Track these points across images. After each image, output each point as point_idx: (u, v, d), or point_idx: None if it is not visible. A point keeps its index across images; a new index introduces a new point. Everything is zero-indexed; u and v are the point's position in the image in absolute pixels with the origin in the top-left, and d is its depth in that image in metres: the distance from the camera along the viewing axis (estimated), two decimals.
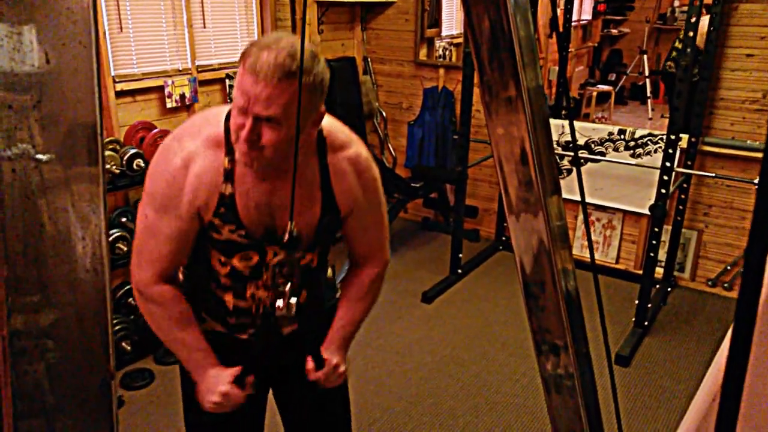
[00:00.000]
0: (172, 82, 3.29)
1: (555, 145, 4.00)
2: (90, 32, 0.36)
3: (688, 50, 2.90)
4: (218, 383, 1.38)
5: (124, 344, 2.88)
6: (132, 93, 3.16)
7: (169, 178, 1.28)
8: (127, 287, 3.06)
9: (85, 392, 0.40)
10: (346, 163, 1.39)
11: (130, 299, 3.05)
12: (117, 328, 2.86)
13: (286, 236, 1.21)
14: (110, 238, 2.79)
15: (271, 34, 1.22)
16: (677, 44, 5.43)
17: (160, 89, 3.27)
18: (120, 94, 3.08)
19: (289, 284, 1.28)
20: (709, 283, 3.84)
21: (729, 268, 3.78)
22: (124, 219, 3.03)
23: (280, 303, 1.27)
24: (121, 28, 3.03)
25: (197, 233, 1.36)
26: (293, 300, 1.27)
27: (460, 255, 3.95)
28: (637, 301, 3.32)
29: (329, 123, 1.40)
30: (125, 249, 2.86)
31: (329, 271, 1.64)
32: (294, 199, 1.17)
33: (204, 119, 1.34)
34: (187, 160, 1.28)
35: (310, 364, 1.43)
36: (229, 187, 1.30)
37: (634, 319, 3.36)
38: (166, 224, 1.31)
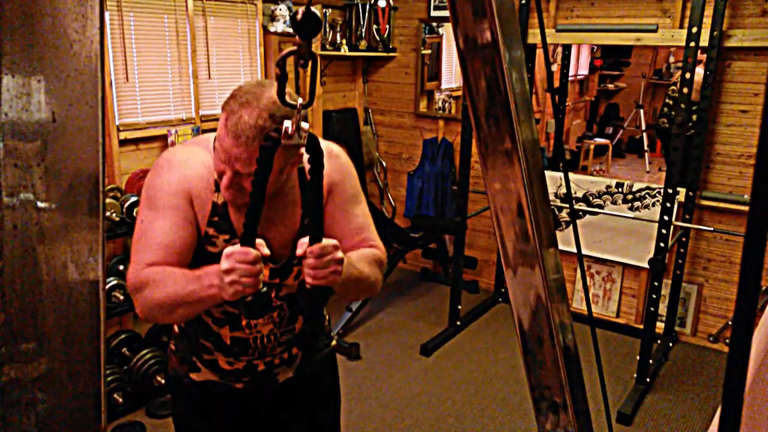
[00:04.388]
0: (176, 131, 3.34)
1: (553, 198, 4.04)
2: (96, 93, 0.37)
3: (683, 105, 2.96)
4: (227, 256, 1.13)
5: (116, 395, 2.82)
6: (135, 141, 3.20)
7: (162, 180, 1.31)
8: (122, 336, 3.02)
9: None
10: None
11: (125, 349, 3.01)
12: (110, 378, 2.81)
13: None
14: (107, 287, 2.77)
15: (253, 83, 1.21)
16: (668, 100, 5.54)
17: (163, 138, 3.31)
18: (123, 143, 3.12)
19: (300, 100, 1.02)
20: (711, 338, 3.80)
21: (730, 323, 3.74)
22: (121, 267, 3.02)
23: (288, 124, 1.02)
24: (127, 78, 3.10)
25: (194, 244, 1.32)
26: (305, 125, 1.03)
27: (459, 306, 3.91)
28: (638, 357, 3.28)
29: None
30: (121, 298, 2.84)
31: (326, 317, 1.62)
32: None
33: (194, 140, 1.42)
34: (181, 157, 1.33)
35: (303, 239, 1.18)
36: (221, 197, 1.32)
37: (635, 375, 3.31)
38: (161, 216, 1.28)
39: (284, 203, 1.36)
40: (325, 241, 1.16)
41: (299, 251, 1.16)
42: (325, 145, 1.41)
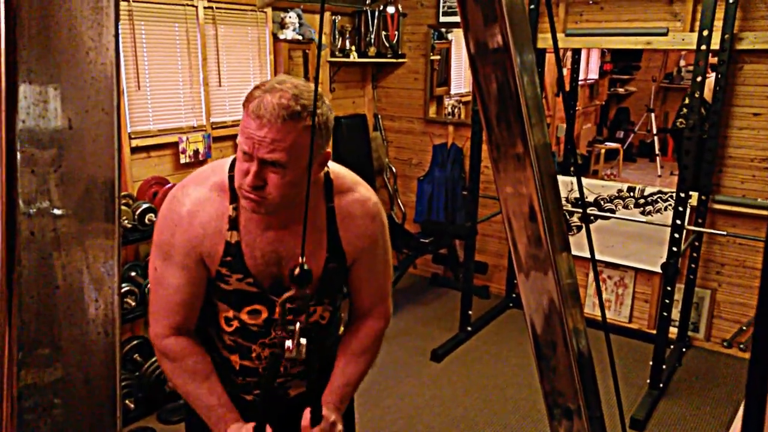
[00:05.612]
0: (187, 138, 3.36)
1: (564, 202, 4.02)
2: (112, 100, 0.37)
3: (695, 109, 2.94)
4: None
5: (127, 401, 2.84)
6: (147, 149, 3.22)
7: (174, 227, 1.29)
8: (135, 342, 3.04)
9: None
10: (355, 207, 1.37)
11: (136, 355, 3.03)
12: (122, 384, 2.82)
13: (297, 270, 1.15)
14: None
15: (273, 78, 1.22)
16: (688, 100, 5.49)
17: (174, 145, 3.34)
18: (135, 150, 3.15)
19: (298, 324, 1.18)
20: (725, 343, 3.76)
21: (744, 328, 3.70)
22: (133, 273, 3.04)
23: (289, 344, 1.16)
24: (138, 86, 3.12)
25: (206, 284, 1.35)
26: (303, 341, 1.17)
27: (470, 312, 3.90)
28: (651, 362, 3.25)
29: (336, 166, 1.40)
30: (133, 304, 2.85)
31: (341, 328, 1.61)
32: (306, 232, 1.09)
33: (209, 169, 1.36)
34: (191, 209, 1.29)
35: (305, 419, 1.34)
36: (235, 235, 1.29)
37: (648, 380, 3.28)
38: (172, 274, 1.30)
39: (309, 240, 1.30)
40: (324, 422, 1.33)
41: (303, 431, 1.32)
42: (362, 195, 1.38)
